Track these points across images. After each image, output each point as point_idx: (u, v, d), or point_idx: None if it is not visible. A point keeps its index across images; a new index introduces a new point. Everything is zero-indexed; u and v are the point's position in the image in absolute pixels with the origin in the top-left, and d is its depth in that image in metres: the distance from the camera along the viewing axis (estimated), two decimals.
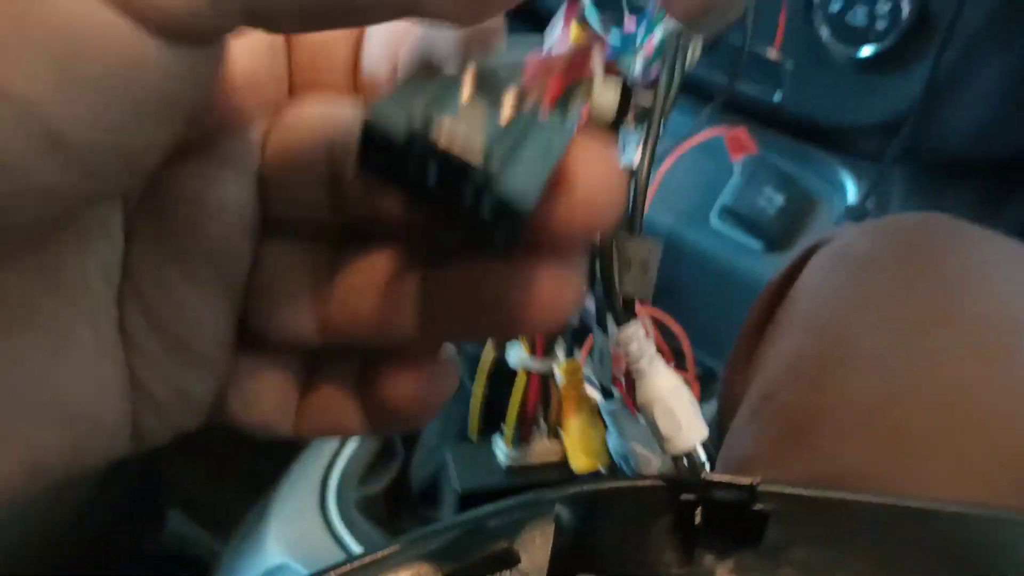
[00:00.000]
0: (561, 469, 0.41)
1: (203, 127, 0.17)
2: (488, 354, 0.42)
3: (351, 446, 0.53)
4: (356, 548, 0.49)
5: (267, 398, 0.19)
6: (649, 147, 0.24)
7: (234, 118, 0.18)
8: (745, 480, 0.23)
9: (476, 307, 0.17)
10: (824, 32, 0.51)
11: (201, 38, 0.13)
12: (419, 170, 0.14)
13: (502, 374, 0.39)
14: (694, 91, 0.59)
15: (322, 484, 0.51)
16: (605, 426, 0.31)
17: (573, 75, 0.18)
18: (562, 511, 0.24)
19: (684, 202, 0.63)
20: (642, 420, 0.26)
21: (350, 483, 0.51)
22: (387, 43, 0.17)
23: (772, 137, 0.61)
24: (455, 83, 0.14)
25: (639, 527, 0.25)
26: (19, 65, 0.12)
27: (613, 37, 0.22)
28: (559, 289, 0.16)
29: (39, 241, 0.15)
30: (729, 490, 0.24)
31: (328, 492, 0.51)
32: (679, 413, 0.25)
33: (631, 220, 0.25)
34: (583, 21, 0.40)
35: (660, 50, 0.24)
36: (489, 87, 0.15)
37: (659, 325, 0.69)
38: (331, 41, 0.18)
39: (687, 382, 0.27)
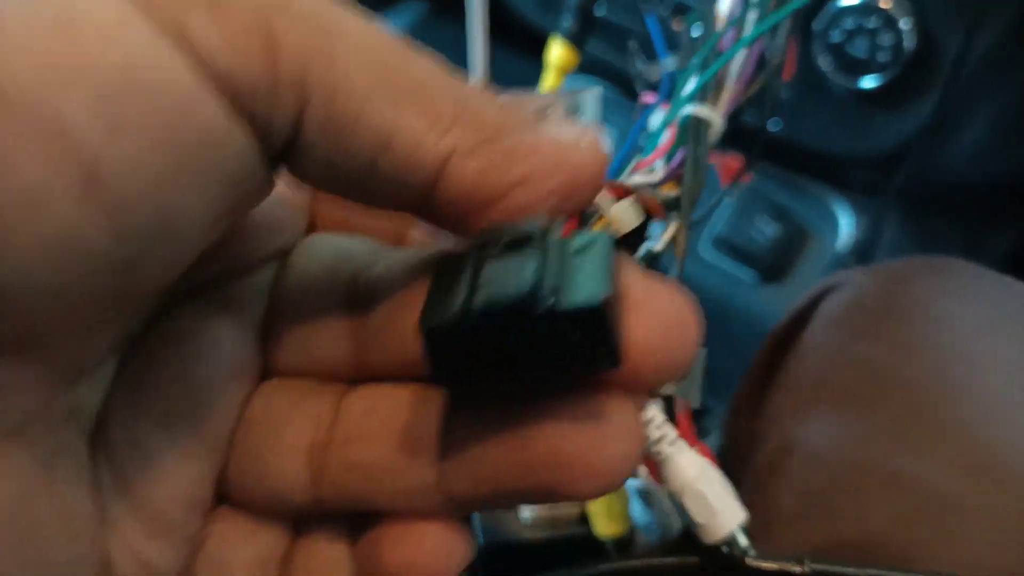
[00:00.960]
0: (583, 524, 0.40)
1: (211, 268, 0.16)
2: None
3: None
4: None
5: (241, 566, 0.16)
6: (681, 244, 0.23)
7: (245, 261, 0.17)
8: (795, 568, 0.22)
9: (519, 462, 0.14)
10: (824, 63, 0.50)
11: (261, 119, 0.13)
12: (492, 343, 0.13)
13: None
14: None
15: None
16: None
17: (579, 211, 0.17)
18: None
19: None
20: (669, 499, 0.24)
21: None
22: None
23: (767, 167, 0.60)
24: (478, 259, 0.14)
25: None
26: (69, 93, 0.11)
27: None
28: (621, 442, 0.14)
29: (48, 329, 0.13)
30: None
31: None
32: (711, 498, 0.23)
33: None
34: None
35: (681, 138, 0.23)
36: (508, 247, 0.14)
37: None
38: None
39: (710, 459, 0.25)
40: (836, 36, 0.49)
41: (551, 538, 0.39)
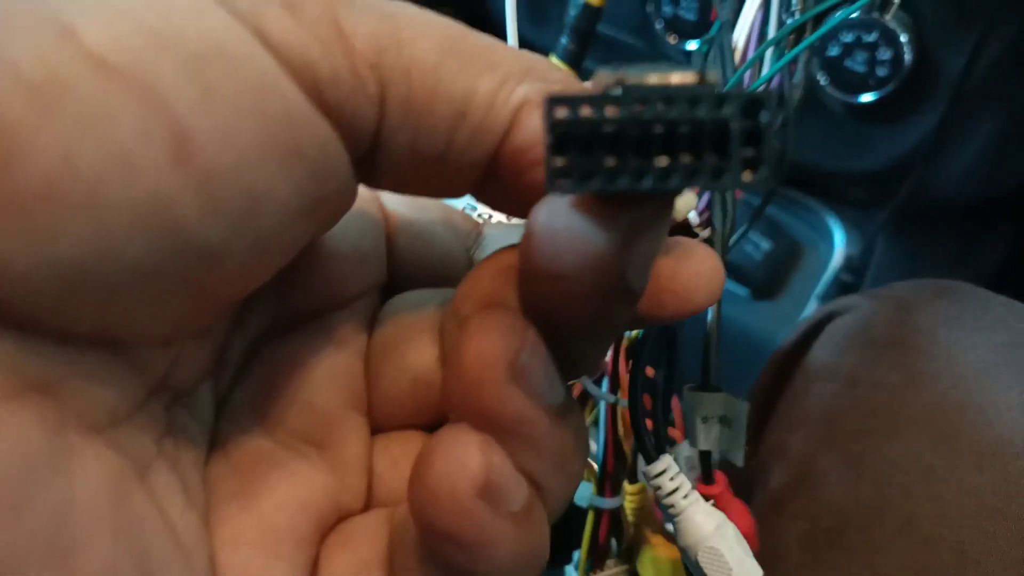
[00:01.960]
0: None
1: (309, 298, 0.17)
2: None
3: None
4: None
5: None
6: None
7: (341, 293, 0.17)
8: None
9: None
10: (821, 77, 0.49)
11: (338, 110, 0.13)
12: (632, 124, 0.11)
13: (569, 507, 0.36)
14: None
15: None
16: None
17: None
18: None
19: None
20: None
21: None
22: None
23: None
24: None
25: None
26: (163, 57, 0.11)
27: None
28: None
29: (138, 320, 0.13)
30: None
31: None
32: (727, 555, 0.22)
33: (705, 373, 0.22)
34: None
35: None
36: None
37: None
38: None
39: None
40: (833, 50, 0.48)
41: None
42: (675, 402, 0.31)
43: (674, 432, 0.30)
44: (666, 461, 0.22)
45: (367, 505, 0.17)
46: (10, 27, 0.11)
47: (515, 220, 0.21)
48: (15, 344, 0.12)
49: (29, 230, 0.11)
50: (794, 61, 0.29)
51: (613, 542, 0.32)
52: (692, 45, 0.53)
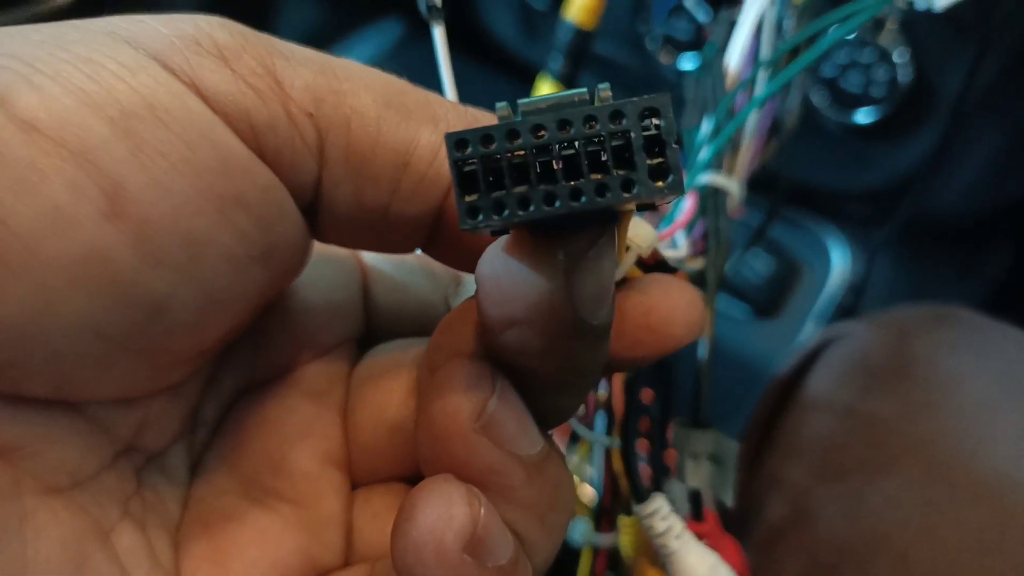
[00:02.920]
0: None
1: (282, 351, 0.17)
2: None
3: None
4: None
5: None
6: (708, 325, 0.21)
7: (317, 345, 0.17)
8: None
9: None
10: (817, 97, 0.48)
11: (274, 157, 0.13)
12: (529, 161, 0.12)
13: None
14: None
15: None
16: None
17: None
18: None
19: None
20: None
21: None
22: None
23: (760, 201, 0.58)
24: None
25: None
26: (92, 117, 0.12)
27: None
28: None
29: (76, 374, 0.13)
30: None
31: None
32: None
33: (695, 410, 0.22)
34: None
35: (701, 210, 0.22)
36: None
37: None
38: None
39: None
40: (829, 71, 0.48)
41: None
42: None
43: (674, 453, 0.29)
44: (657, 502, 0.22)
45: (347, 561, 0.17)
46: None
47: None
48: None
49: None
50: (788, 84, 0.28)
51: None
52: (686, 64, 0.52)
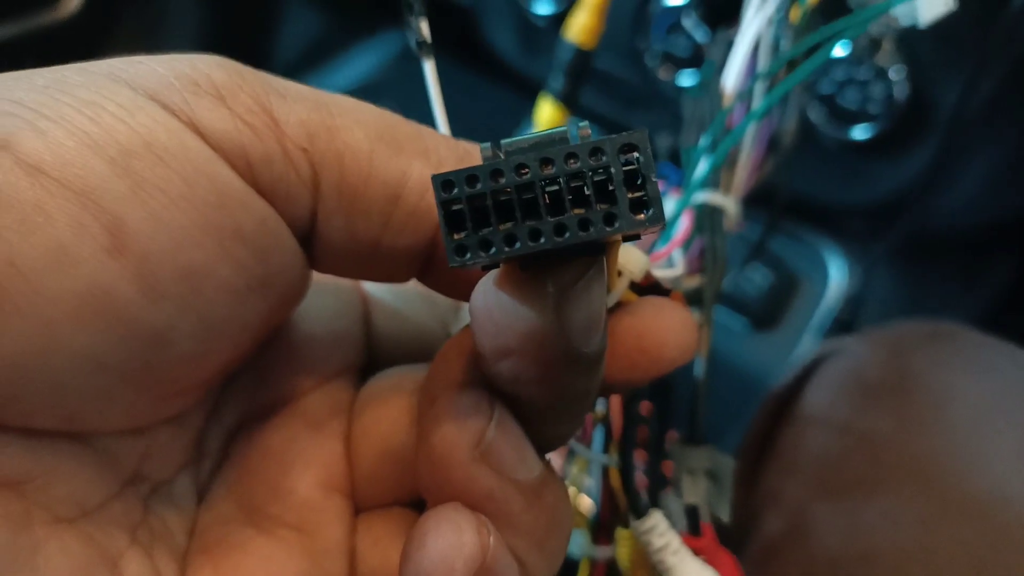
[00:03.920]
0: None
1: (284, 382, 0.17)
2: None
3: None
4: None
5: None
6: (704, 339, 0.21)
7: (317, 374, 0.18)
8: None
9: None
10: (815, 114, 0.49)
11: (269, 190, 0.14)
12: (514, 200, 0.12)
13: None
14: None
15: None
16: None
17: None
18: None
19: None
20: None
21: None
22: None
23: (758, 215, 0.59)
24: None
25: None
26: (93, 157, 0.12)
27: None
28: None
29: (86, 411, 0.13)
30: None
31: None
32: None
33: (692, 427, 0.22)
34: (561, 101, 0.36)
35: (698, 228, 0.22)
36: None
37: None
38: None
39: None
40: (827, 87, 0.48)
41: None
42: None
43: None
44: (654, 518, 0.22)
45: None
46: None
47: None
48: None
49: None
50: (785, 99, 0.29)
51: None
52: (686, 80, 0.53)
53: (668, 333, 0.16)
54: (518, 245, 0.12)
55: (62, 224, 0.12)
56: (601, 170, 0.12)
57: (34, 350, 0.12)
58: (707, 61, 0.33)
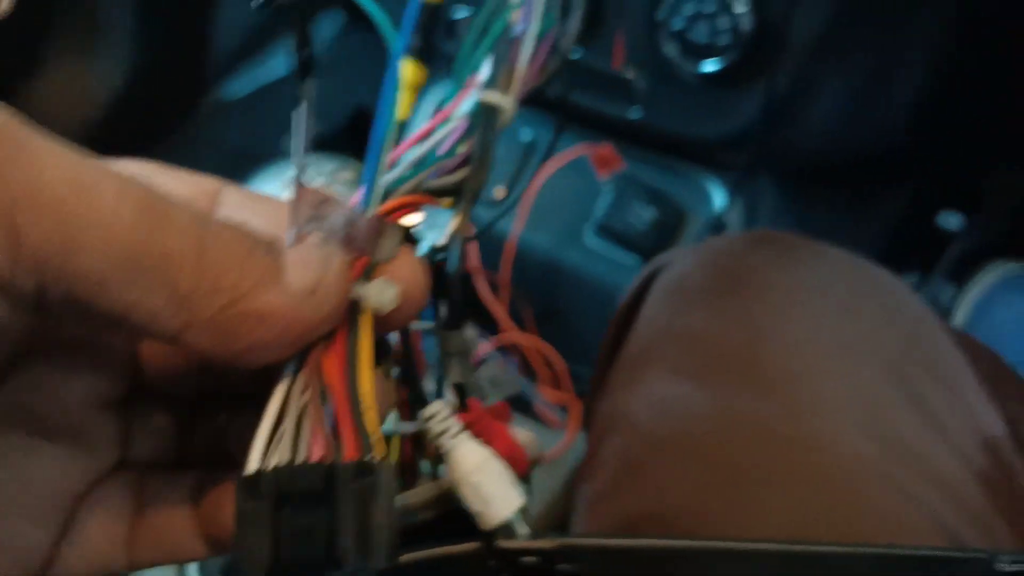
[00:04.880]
0: (445, 502, 0.41)
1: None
2: None
3: None
4: None
5: (95, 533, 0.18)
6: (459, 238, 0.23)
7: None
8: (543, 544, 0.23)
9: None
10: (669, 49, 0.51)
11: None
12: None
13: None
14: (553, 107, 0.59)
15: None
16: None
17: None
18: None
19: (558, 223, 0.63)
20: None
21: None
22: None
23: (639, 153, 0.61)
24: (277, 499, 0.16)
25: None
26: None
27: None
28: None
29: None
30: (532, 555, 0.24)
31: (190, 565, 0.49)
32: (484, 488, 0.24)
33: (452, 316, 0.25)
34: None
35: (472, 128, 0.23)
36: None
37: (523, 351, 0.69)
38: None
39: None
40: (678, 23, 0.51)
41: (416, 522, 0.40)
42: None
43: None
44: (435, 407, 0.25)
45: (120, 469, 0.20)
46: None
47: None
48: None
49: None
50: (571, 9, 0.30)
51: (427, 465, 0.35)
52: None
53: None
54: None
55: None
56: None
57: None
58: None
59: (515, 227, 0.64)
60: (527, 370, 0.68)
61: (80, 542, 0.18)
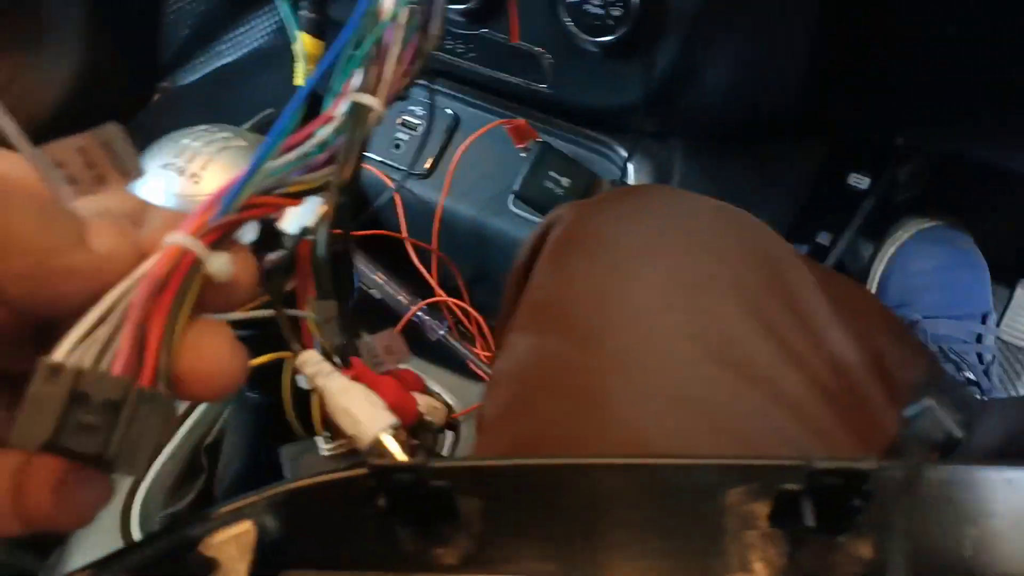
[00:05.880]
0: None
1: None
2: (286, 372, 0.44)
3: (154, 467, 0.54)
4: None
5: None
6: (325, 224, 0.26)
7: None
8: (415, 461, 0.26)
9: None
10: (569, 23, 0.54)
11: None
12: None
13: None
14: (474, 84, 0.62)
15: (125, 505, 0.52)
16: None
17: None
18: (264, 514, 0.27)
19: (483, 191, 0.67)
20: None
21: (155, 501, 0.52)
22: None
23: (552, 124, 0.65)
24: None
25: (340, 517, 0.27)
26: None
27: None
28: None
29: None
30: (405, 473, 0.26)
31: (132, 512, 0.52)
32: (353, 409, 0.27)
33: (319, 286, 0.28)
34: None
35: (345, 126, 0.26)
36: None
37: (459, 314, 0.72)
38: None
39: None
40: None
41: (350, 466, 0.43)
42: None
43: None
44: (307, 354, 0.28)
45: None
46: None
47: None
48: None
49: None
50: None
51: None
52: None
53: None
54: None
55: None
56: None
57: None
58: None
59: (441, 197, 0.67)
60: (459, 330, 0.72)
61: None
